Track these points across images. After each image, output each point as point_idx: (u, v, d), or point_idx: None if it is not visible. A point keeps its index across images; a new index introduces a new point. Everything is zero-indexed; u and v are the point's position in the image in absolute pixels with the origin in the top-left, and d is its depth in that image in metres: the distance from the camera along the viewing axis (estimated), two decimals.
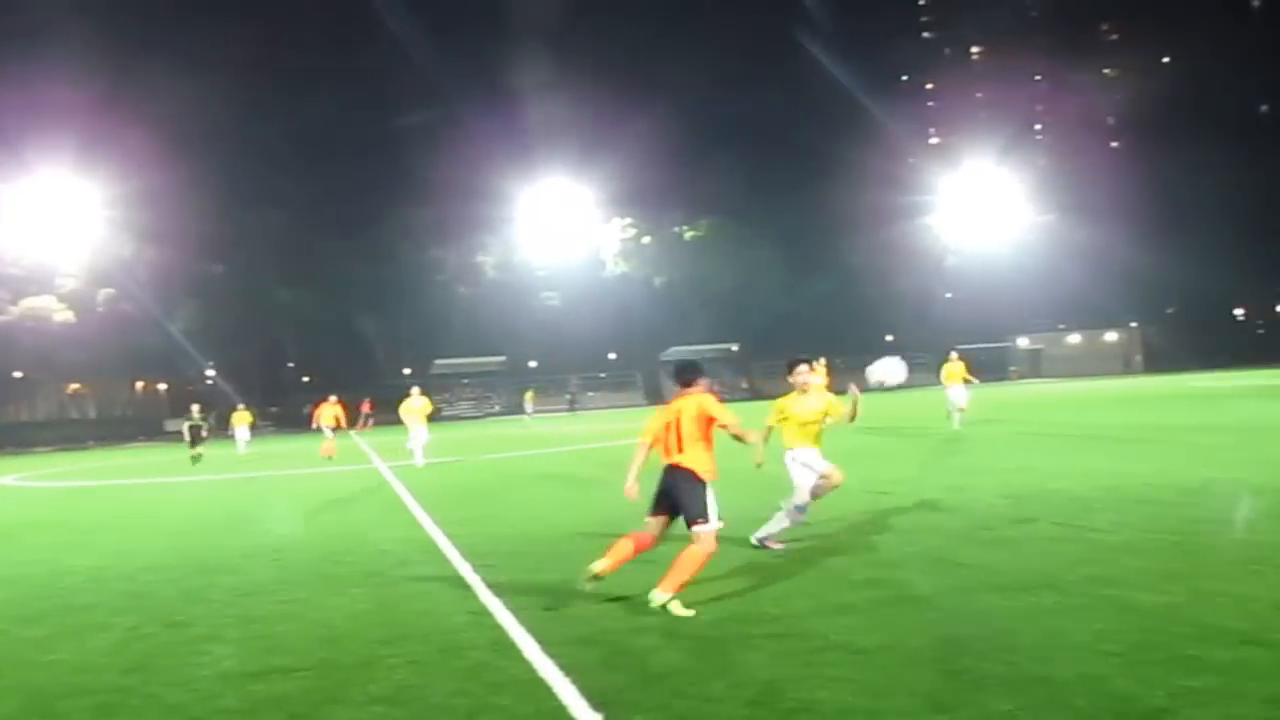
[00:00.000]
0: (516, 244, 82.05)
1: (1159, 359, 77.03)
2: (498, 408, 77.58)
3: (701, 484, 7.00)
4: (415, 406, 23.45)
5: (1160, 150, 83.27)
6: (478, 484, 18.01)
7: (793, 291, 79.69)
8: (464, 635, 6.63)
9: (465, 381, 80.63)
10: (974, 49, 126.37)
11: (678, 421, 7.14)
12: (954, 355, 24.93)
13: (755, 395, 69.49)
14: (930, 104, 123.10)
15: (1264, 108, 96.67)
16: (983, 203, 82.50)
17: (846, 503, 11.77)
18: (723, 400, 7.71)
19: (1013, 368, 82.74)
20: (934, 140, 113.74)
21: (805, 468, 9.02)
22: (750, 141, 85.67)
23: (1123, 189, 79.34)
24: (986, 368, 70.76)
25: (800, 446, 9.09)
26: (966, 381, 24.64)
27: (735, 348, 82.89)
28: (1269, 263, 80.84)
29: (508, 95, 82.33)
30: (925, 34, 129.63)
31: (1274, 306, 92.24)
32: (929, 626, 6.06)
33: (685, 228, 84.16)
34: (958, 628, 5.99)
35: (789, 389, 9.23)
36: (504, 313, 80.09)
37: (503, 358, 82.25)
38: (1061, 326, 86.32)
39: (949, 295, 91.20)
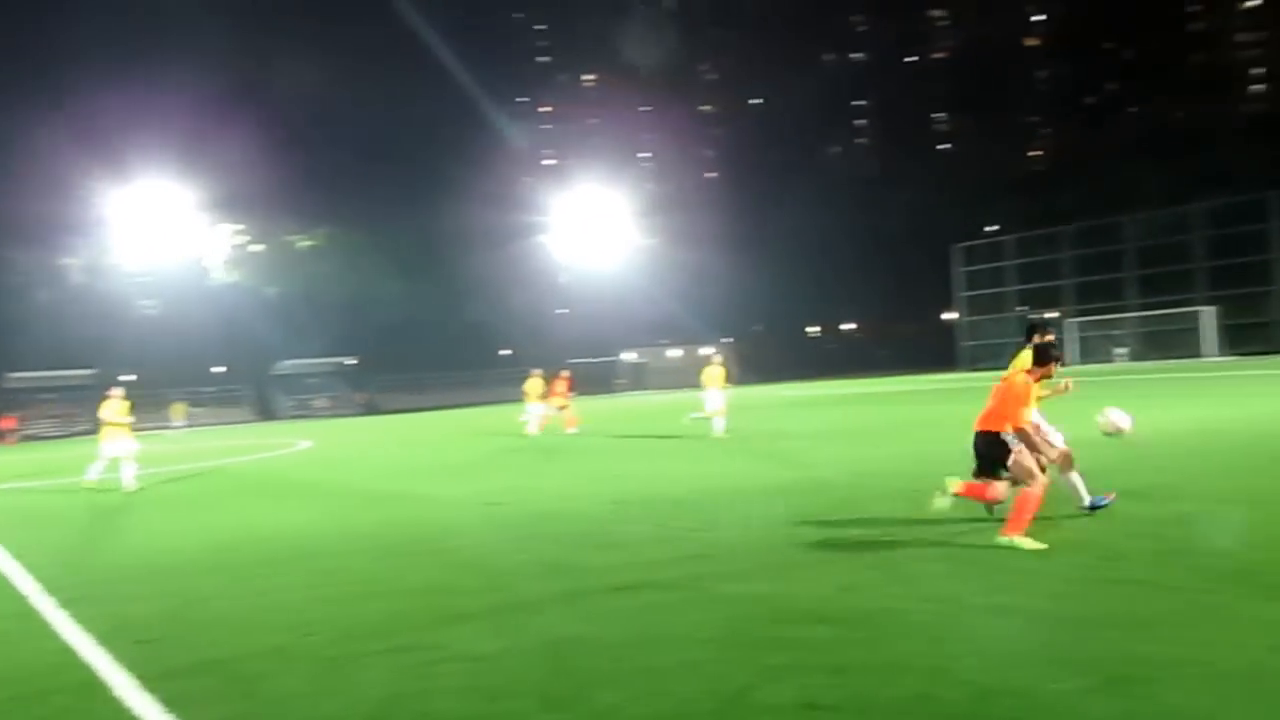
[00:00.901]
0: (108, 247, 75.08)
1: (750, 371, 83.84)
2: (86, 425, 70.51)
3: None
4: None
5: (749, 183, 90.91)
6: (60, 510, 16.33)
7: (410, 305, 78.93)
8: (45, 679, 5.92)
9: (47, 397, 72.54)
10: (587, 76, 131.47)
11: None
12: (716, 359, 23.33)
13: (371, 410, 68.07)
14: (546, 126, 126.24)
15: (834, 149, 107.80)
16: (594, 223, 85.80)
17: (462, 515, 11.85)
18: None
19: (619, 380, 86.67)
20: (549, 161, 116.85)
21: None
22: (368, 154, 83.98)
23: (718, 216, 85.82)
24: (595, 381, 74.37)
25: None
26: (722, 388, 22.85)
27: (352, 361, 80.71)
28: (837, 288, 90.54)
29: (93, 80, 74.98)
30: (541, 58, 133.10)
31: (839, 325, 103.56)
32: (543, 630, 6.23)
33: (299, 237, 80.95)
34: (570, 628, 6.21)
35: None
36: (93, 321, 72.94)
37: (93, 370, 74.87)
38: (664, 341, 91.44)
39: (562, 311, 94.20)
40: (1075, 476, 8.88)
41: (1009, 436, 8.02)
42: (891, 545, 8.09)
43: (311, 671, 5.71)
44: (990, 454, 8.14)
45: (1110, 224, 69.17)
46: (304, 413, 69.44)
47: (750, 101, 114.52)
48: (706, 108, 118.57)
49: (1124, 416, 9.26)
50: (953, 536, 8.28)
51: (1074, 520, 8.63)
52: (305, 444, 32.02)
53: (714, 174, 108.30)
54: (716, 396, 22.30)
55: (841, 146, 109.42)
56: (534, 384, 27.70)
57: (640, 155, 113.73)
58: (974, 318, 73.92)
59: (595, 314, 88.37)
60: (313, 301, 78.34)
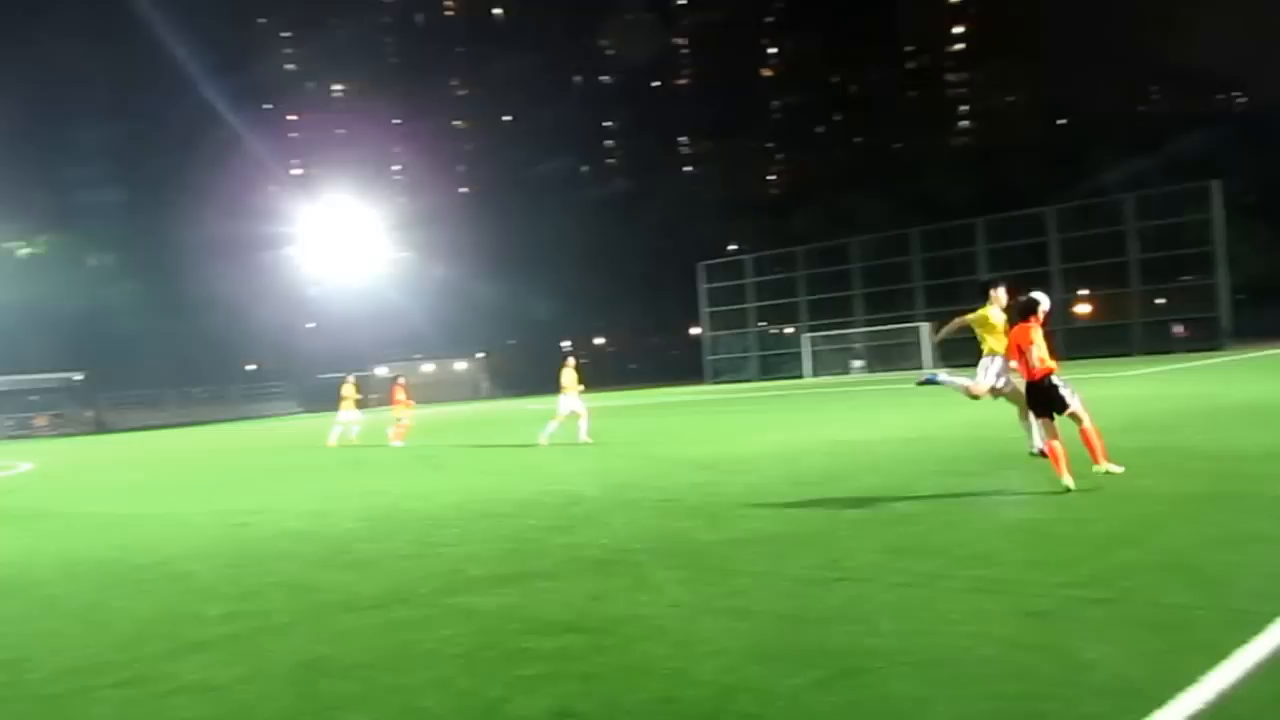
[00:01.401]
0: None
1: (504, 384, 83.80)
2: None
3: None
4: None
5: (502, 199, 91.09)
6: None
7: (145, 317, 74.07)
8: None
9: None
10: (337, 86, 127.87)
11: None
12: (570, 361, 22.42)
13: (102, 428, 63.44)
14: (294, 135, 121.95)
15: (584, 168, 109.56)
16: (344, 236, 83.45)
17: (203, 537, 11.24)
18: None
19: (373, 395, 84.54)
20: (297, 171, 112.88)
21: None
22: (99, 156, 78.26)
23: (471, 231, 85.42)
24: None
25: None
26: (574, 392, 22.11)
27: (79, 377, 74.86)
28: (589, 303, 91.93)
29: None
30: (289, 65, 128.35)
31: (592, 339, 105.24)
32: (288, 654, 5.99)
33: (19, 243, 74.44)
34: (316, 650, 6.00)
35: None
36: None
37: None
38: (417, 356, 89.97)
39: (311, 325, 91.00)
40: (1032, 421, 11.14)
41: (1054, 379, 9.84)
42: (638, 553, 8.28)
43: (31, 712, 5.27)
44: (1048, 398, 9.87)
45: (839, 245, 73.57)
46: (24, 432, 64.24)
47: (503, 118, 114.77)
48: (459, 123, 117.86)
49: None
50: (692, 543, 8.56)
51: (804, 520, 9.13)
52: (25, 466, 29.62)
53: (466, 189, 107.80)
54: (571, 400, 21.78)
55: (591, 165, 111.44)
56: (349, 390, 26.95)
57: (393, 168, 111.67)
58: (717, 332, 76.72)
59: (346, 328, 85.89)
60: (33, 313, 72.17)
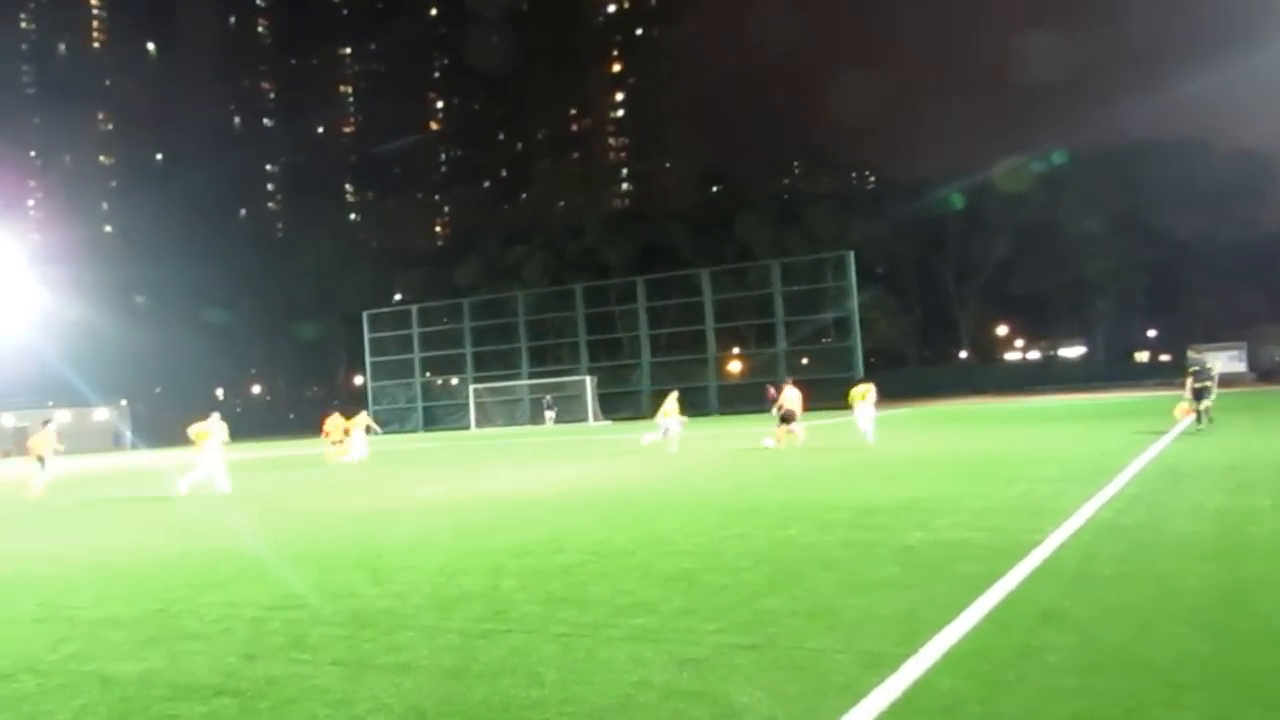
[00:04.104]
0: None
1: (148, 435, 77.22)
2: None
3: None
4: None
5: (150, 238, 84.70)
6: None
7: None
8: None
9: None
10: None
11: None
12: (215, 415, 21.10)
13: None
14: None
15: (242, 212, 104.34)
16: None
17: None
18: None
19: (3, 449, 75.31)
20: None
21: None
22: None
23: (116, 271, 78.63)
24: None
25: None
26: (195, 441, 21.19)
27: None
28: (241, 349, 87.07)
29: None
30: None
31: (249, 388, 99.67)
32: None
33: None
34: None
35: None
36: None
37: None
38: (50, 404, 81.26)
39: None
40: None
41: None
42: (296, 610, 7.97)
43: None
44: None
45: (505, 298, 74.30)
46: None
47: (156, 156, 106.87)
48: (102, 158, 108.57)
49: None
50: (354, 598, 8.38)
51: (468, 571, 9.16)
52: None
53: (110, 227, 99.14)
54: (208, 457, 20.96)
55: (250, 208, 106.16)
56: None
57: (28, 202, 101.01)
58: (382, 382, 74.70)
59: None
60: None
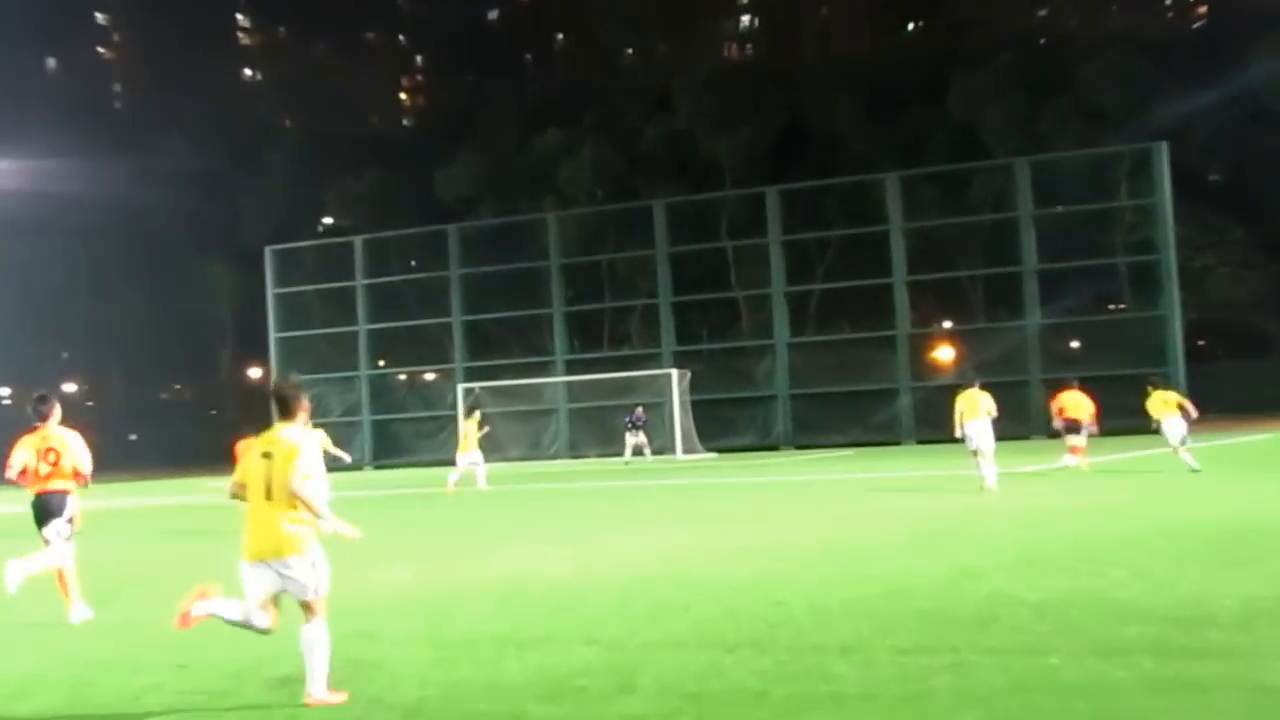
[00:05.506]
0: None
1: None
2: None
3: None
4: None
5: None
6: None
7: None
8: None
9: None
10: None
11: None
12: None
13: None
14: None
15: (50, 61, 79.68)
16: None
17: None
18: None
19: None
20: None
21: None
22: None
23: None
24: None
25: None
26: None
27: None
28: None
29: None
30: None
31: (63, 384, 73.77)
32: None
33: None
34: None
35: None
36: None
37: None
38: None
39: None
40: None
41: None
42: None
43: None
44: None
45: (524, 223, 51.80)
46: None
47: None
48: None
49: None
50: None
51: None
52: None
53: None
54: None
55: (63, 57, 73.79)
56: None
57: None
58: (299, 377, 45.61)
59: None
60: None
